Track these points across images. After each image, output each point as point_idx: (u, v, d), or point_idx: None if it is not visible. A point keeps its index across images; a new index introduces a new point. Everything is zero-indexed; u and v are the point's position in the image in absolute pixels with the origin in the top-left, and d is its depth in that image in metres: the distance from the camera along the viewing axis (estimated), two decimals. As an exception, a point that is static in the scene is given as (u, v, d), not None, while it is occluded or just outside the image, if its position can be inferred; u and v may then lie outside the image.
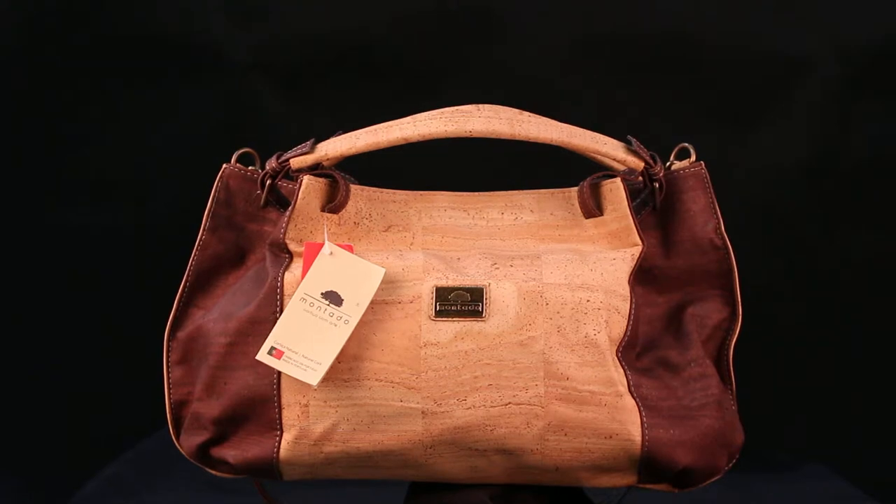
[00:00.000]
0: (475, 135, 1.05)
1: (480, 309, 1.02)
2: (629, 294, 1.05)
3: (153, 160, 1.74)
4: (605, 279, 1.04)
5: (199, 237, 1.08)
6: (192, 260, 1.08)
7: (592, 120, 1.15)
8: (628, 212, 1.06)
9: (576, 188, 1.10)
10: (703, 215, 1.08)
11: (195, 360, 1.07)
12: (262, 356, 1.00)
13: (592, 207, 1.08)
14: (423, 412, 1.01)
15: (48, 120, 1.73)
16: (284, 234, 1.05)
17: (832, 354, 1.73)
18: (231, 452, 1.05)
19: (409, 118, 1.07)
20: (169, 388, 1.08)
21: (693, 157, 1.10)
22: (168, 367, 1.08)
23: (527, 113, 1.07)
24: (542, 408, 1.01)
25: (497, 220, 1.10)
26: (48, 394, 1.74)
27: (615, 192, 1.07)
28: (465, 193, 1.11)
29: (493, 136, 1.05)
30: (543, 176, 1.18)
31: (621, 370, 1.03)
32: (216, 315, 1.06)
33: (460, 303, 1.02)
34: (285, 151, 1.09)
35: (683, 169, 1.09)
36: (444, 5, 1.70)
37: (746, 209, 1.71)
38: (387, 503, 1.19)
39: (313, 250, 1.04)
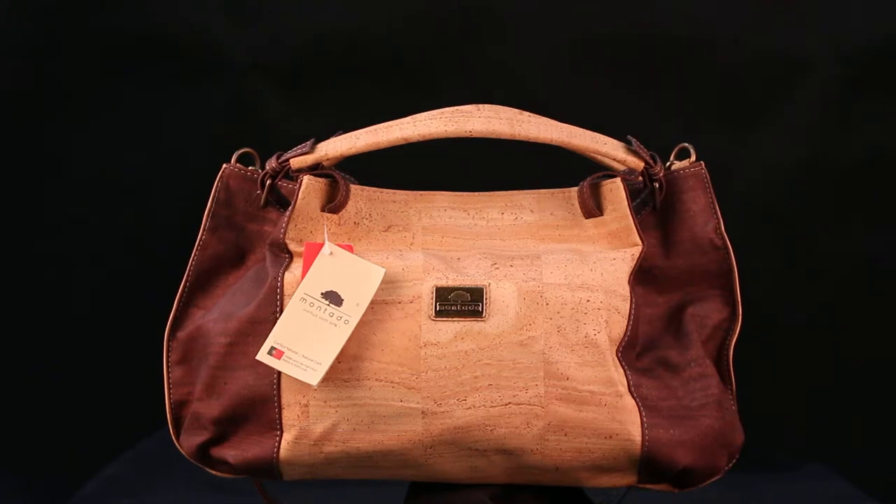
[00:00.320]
0: (475, 135, 1.05)
1: (480, 309, 1.02)
2: (629, 294, 1.05)
3: (153, 160, 1.74)
4: (605, 279, 1.04)
5: (199, 237, 1.08)
6: (192, 260, 1.08)
7: (592, 120, 1.15)
8: (628, 212, 1.06)
9: (576, 188, 1.10)
10: (703, 215, 1.08)
11: (195, 360, 1.07)
12: (262, 356, 1.00)
13: (592, 207, 1.08)
14: (423, 412, 1.01)
15: (48, 120, 1.73)
16: (284, 234, 1.05)
17: (832, 354, 1.73)
18: (231, 452, 1.05)
19: (409, 118, 1.07)
20: (169, 388, 1.08)
21: (693, 157, 1.10)
22: (168, 367, 1.08)
23: (527, 113, 1.07)
24: (542, 408, 1.01)
25: (497, 220, 1.10)
26: (48, 394, 1.74)
27: (615, 192, 1.07)
28: (465, 193, 1.11)
29: (493, 136, 1.05)
30: (543, 176, 1.18)
31: (621, 370, 1.03)
32: (216, 315, 1.06)
33: (460, 303, 1.02)
34: (285, 151, 1.09)
35: (683, 169, 1.09)
36: (444, 5, 1.70)
37: (746, 209, 1.71)
38: (387, 503, 1.19)
39: (313, 250, 1.04)
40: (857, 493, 1.50)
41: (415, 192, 1.11)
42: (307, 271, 1.03)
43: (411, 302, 1.02)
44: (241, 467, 1.05)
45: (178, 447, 1.09)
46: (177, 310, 1.08)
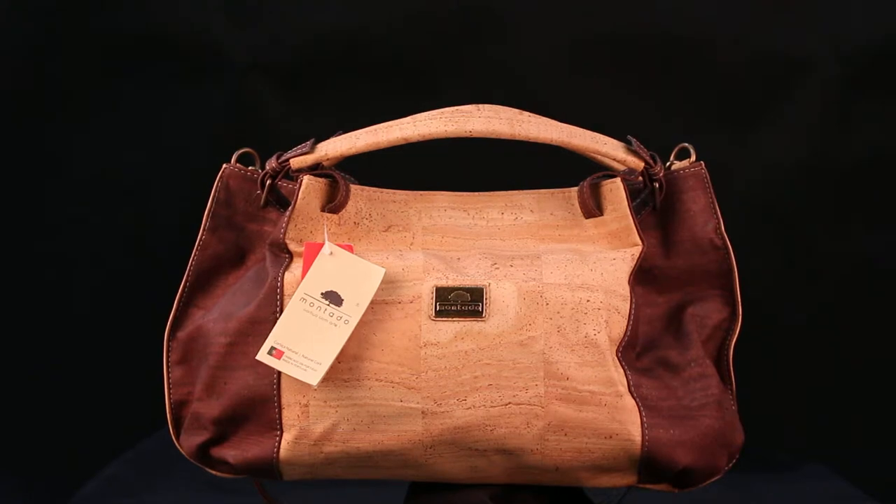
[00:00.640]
0: (475, 135, 1.05)
1: (480, 309, 1.02)
2: (629, 294, 1.05)
3: (153, 160, 1.74)
4: (605, 279, 1.04)
5: (199, 237, 1.08)
6: (192, 260, 1.08)
7: (592, 120, 1.15)
8: (628, 212, 1.06)
9: (576, 188, 1.10)
10: (703, 215, 1.08)
11: (195, 360, 1.07)
12: (262, 356, 1.00)
13: (592, 207, 1.08)
14: (423, 412, 1.01)
15: (48, 120, 1.73)
16: (284, 234, 1.05)
17: (832, 354, 1.73)
18: (231, 452, 1.05)
19: (409, 118, 1.07)
20: (169, 388, 1.08)
21: (693, 157, 1.10)
22: (168, 367, 1.08)
23: (527, 113, 1.07)
24: (542, 408, 1.01)
25: (497, 220, 1.10)
26: (48, 394, 1.74)
27: (615, 192, 1.07)
28: (465, 193, 1.11)
29: (493, 136, 1.05)
30: (543, 176, 1.18)
31: (621, 370, 1.03)
32: (216, 315, 1.06)
33: (460, 303, 1.02)
34: (285, 151, 1.09)
35: (683, 169, 1.09)
36: (444, 5, 1.70)
37: (746, 209, 1.71)
38: (387, 503, 1.19)
39: (313, 250, 1.04)
40: (857, 493, 1.50)
41: (415, 192, 1.11)
42: (307, 271, 1.03)
43: (411, 302, 1.02)
44: (241, 467, 1.05)
45: (178, 447, 1.09)
46: (177, 310, 1.08)
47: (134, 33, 1.71)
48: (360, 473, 1.06)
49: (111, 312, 1.75)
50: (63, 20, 1.71)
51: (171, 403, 1.08)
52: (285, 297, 1.03)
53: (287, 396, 1.03)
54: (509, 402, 1.01)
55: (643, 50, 1.70)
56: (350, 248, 1.05)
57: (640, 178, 1.09)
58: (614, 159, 1.09)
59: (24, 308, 1.76)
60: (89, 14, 1.71)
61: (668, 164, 1.11)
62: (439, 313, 1.02)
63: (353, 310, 1.01)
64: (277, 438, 1.03)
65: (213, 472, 1.09)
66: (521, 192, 1.11)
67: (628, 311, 1.04)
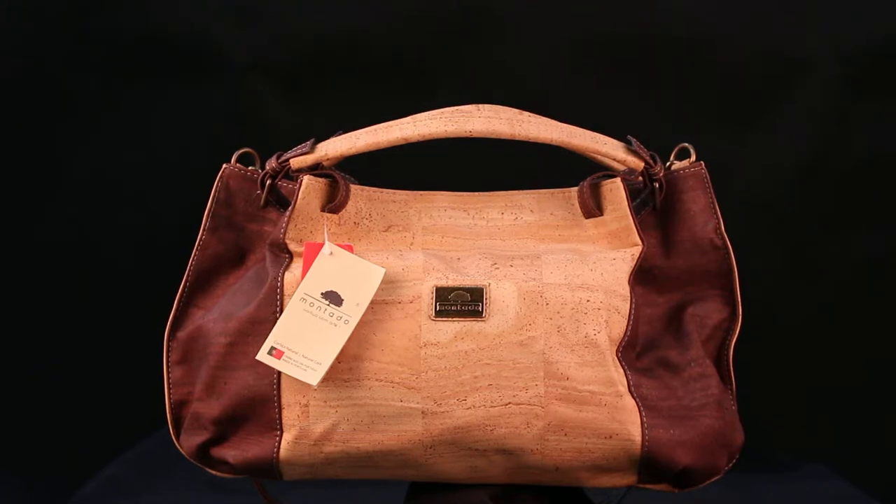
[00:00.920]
0: (475, 135, 1.05)
1: (480, 309, 1.02)
2: (629, 294, 1.05)
3: (153, 160, 1.74)
4: (605, 279, 1.04)
5: (199, 237, 1.08)
6: (192, 260, 1.08)
7: (592, 120, 1.15)
8: (628, 212, 1.06)
9: (576, 188, 1.10)
10: (703, 215, 1.08)
11: (195, 360, 1.07)
12: (262, 356, 1.00)
13: (592, 207, 1.08)
14: (423, 412, 1.01)
15: (48, 119, 1.73)
16: (284, 234, 1.05)
17: (832, 354, 1.73)
18: (231, 452, 1.05)
19: (409, 118, 1.07)
20: (169, 388, 1.08)
21: (693, 157, 1.10)
22: (168, 367, 1.08)
23: (527, 113, 1.07)
24: (542, 408, 1.01)
25: (497, 220, 1.10)
26: (48, 394, 1.74)
27: (615, 192, 1.07)
28: (465, 193, 1.11)
29: (493, 136, 1.05)
30: (543, 176, 1.18)
31: (621, 370, 1.03)
32: (216, 315, 1.06)
33: (460, 303, 1.02)
34: (285, 151, 1.09)
35: (683, 169, 1.09)
36: (444, 5, 1.70)
37: (746, 209, 1.71)
38: (387, 503, 1.19)
39: (313, 250, 1.04)
40: (857, 493, 1.50)
41: (415, 192, 1.11)
42: (307, 271, 1.03)
43: (411, 302, 1.02)
44: (241, 467, 1.05)
45: (178, 447, 1.09)
46: (177, 310, 1.08)
47: (134, 33, 1.71)
48: (360, 473, 1.06)
49: (111, 312, 1.75)
50: (63, 20, 1.71)
51: (171, 403, 1.08)
52: (285, 297, 1.03)
53: (287, 396, 1.03)
54: (509, 402, 1.01)
55: (643, 50, 1.70)
56: (350, 248, 1.05)
57: (640, 178, 1.09)
58: (614, 159, 1.09)
59: (24, 308, 1.76)
60: (89, 14, 1.71)
61: (668, 164, 1.11)
62: (439, 313, 1.02)
63: (353, 310, 1.01)
64: (277, 438, 1.03)
65: (213, 472, 1.09)
66: (521, 192, 1.11)
67: (628, 311, 1.04)
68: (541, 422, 1.01)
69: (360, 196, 1.09)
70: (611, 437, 1.02)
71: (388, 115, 1.09)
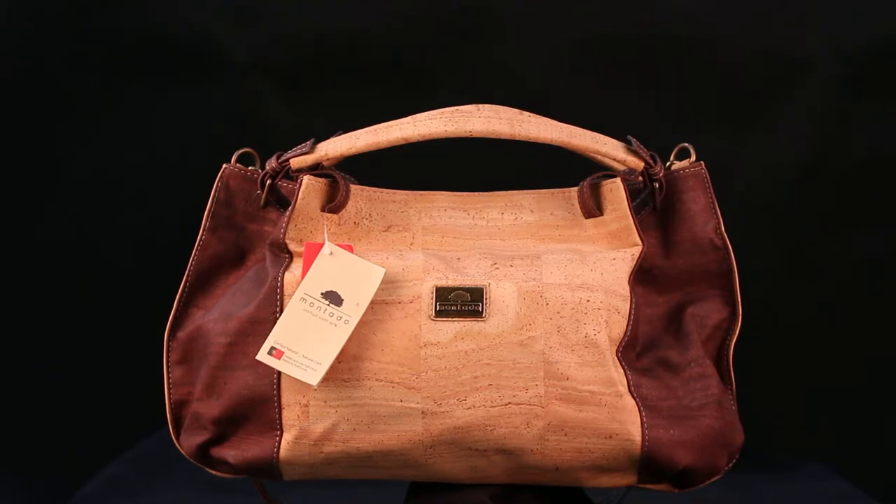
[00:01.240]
0: (475, 135, 1.05)
1: (480, 309, 1.02)
2: (629, 294, 1.05)
3: (153, 160, 1.74)
4: (605, 279, 1.04)
5: (199, 237, 1.08)
6: (192, 260, 1.08)
7: (592, 120, 1.15)
8: (628, 212, 1.06)
9: (576, 188, 1.10)
10: (703, 215, 1.08)
11: (195, 360, 1.07)
12: (262, 356, 1.00)
13: (592, 207, 1.08)
14: (423, 412, 1.01)
15: (48, 120, 1.73)
16: (284, 234, 1.05)
17: (832, 354, 1.73)
18: (231, 452, 1.05)
19: (409, 118, 1.07)
20: (169, 388, 1.08)
21: (693, 157, 1.10)
22: (168, 367, 1.08)
23: (527, 113, 1.07)
24: (542, 408, 1.01)
25: (497, 220, 1.10)
26: (48, 394, 1.74)
27: (615, 192, 1.07)
28: (465, 193, 1.11)
29: (493, 136, 1.05)
30: (543, 176, 1.18)
31: (621, 370, 1.03)
32: (216, 315, 1.06)
33: (460, 303, 1.02)
34: (285, 151, 1.09)
35: (683, 169, 1.09)
36: (444, 5, 1.70)
37: (746, 209, 1.71)
38: (387, 503, 1.19)
39: (313, 250, 1.04)
40: (857, 493, 1.50)
41: (415, 192, 1.11)
42: (307, 271, 1.03)
43: (411, 302, 1.02)
44: (241, 467, 1.05)
45: (178, 447, 1.09)
46: (177, 310, 1.08)
47: (134, 33, 1.71)
48: (360, 473, 1.06)
49: (111, 312, 1.75)
50: (63, 20, 1.71)
51: (171, 403, 1.08)
52: (285, 297, 1.03)
53: (287, 396, 1.03)
54: (509, 402, 1.01)
55: (643, 50, 1.70)
56: (350, 248, 1.05)
57: (640, 178, 1.09)
58: (614, 159, 1.09)
59: (24, 308, 1.76)
60: (89, 14, 1.71)
61: (668, 164, 1.11)
62: (439, 313, 1.02)
63: (353, 310, 1.01)
64: (277, 438, 1.03)
65: (213, 472, 1.09)
66: (521, 192, 1.11)
67: (628, 311, 1.04)
68: (541, 422, 1.01)
69: (360, 196, 1.09)
70: (611, 437, 1.02)
71: (388, 115, 1.09)
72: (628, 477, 1.05)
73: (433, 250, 1.07)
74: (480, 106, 1.07)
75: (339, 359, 1.01)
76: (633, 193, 1.08)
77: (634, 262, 1.06)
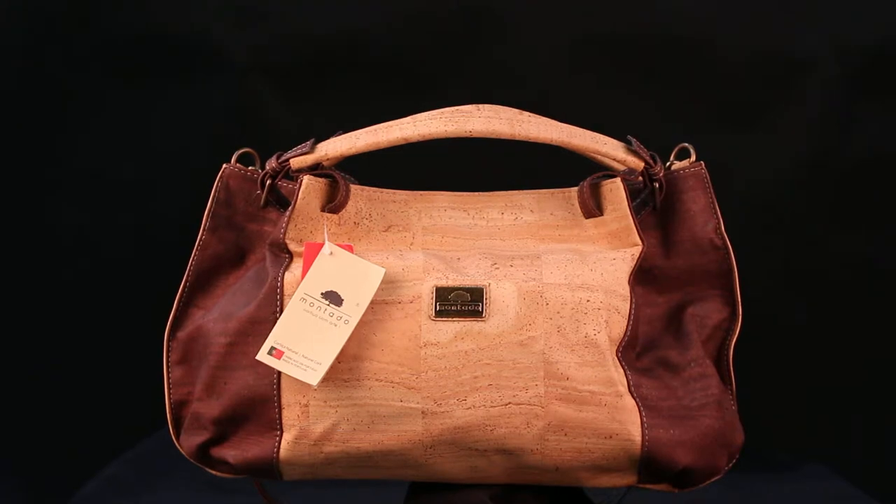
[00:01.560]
0: (475, 135, 1.05)
1: (480, 309, 1.02)
2: (629, 294, 1.05)
3: (153, 160, 1.74)
4: (605, 279, 1.04)
5: (199, 237, 1.08)
6: (192, 260, 1.08)
7: (592, 120, 1.15)
8: (628, 212, 1.06)
9: (576, 188, 1.10)
10: (703, 215, 1.08)
11: (195, 360, 1.07)
12: (262, 356, 1.00)
13: (592, 207, 1.08)
14: (423, 412, 1.01)
15: (48, 120, 1.73)
16: (284, 234, 1.05)
17: (832, 354, 1.73)
18: (231, 452, 1.05)
19: (409, 118, 1.07)
20: (169, 388, 1.08)
21: (693, 157, 1.10)
22: (168, 367, 1.08)
23: (527, 113, 1.07)
24: (542, 408, 1.01)
25: (497, 220, 1.10)
26: (48, 394, 1.74)
27: (615, 192, 1.07)
28: (465, 193, 1.11)
29: (493, 136, 1.05)
30: (543, 176, 1.18)
31: (621, 370, 1.03)
32: (216, 315, 1.06)
33: (460, 303, 1.02)
34: (285, 151, 1.09)
35: (683, 169, 1.09)
36: (444, 5, 1.70)
37: (746, 209, 1.71)
38: (387, 503, 1.19)
39: (313, 250, 1.04)
40: (857, 493, 1.50)
41: (415, 192, 1.11)
42: (307, 271, 1.03)
43: (411, 302, 1.02)
44: (241, 467, 1.05)
45: (178, 447, 1.09)
46: (177, 310, 1.08)
47: (134, 33, 1.71)
48: (360, 473, 1.06)
49: (111, 312, 1.75)
50: (63, 20, 1.71)
51: (171, 403, 1.08)
52: (285, 297, 1.03)
53: (287, 396, 1.03)
54: (509, 402, 1.01)
55: (643, 50, 1.70)
56: (350, 248, 1.05)
57: (640, 178, 1.09)
58: (614, 159, 1.09)
59: (23, 308, 1.76)
60: (89, 14, 1.71)
61: (668, 164, 1.11)
62: (439, 313, 1.02)
63: (353, 310, 1.01)
64: (277, 438, 1.03)
65: (213, 472, 1.09)
66: (521, 192, 1.11)
67: (628, 311, 1.04)
68: (541, 422, 1.01)
69: (360, 196, 1.09)
70: (611, 437, 1.02)
71: (388, 115, 1.09)
72: (628, 477, 1.05)
73: (433, 250, 1.07)
74: (480, 106, 1.07)
75: (339, 359, 1.01)
76: (633, 193, 1.08)
77: (634, 262, 1.06)
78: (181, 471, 1.40)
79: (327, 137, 1.10)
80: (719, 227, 1.08)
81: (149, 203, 1.75)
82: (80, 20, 1.71)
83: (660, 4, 1.69)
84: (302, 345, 1.00)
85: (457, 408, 1.01)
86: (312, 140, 1.10)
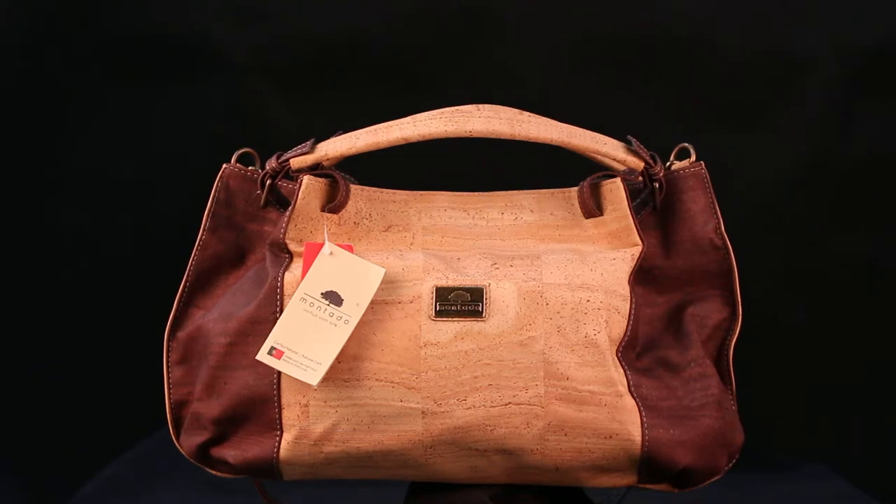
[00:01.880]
0: (475, 135, 1.05)
1: (480, 309, 1.02)
2: (629, 294, 1.05)
3: (153, 160, 1.74)
4: (605, 279, 1.04)
5: (199, 237, 1.08)
6: (192, 260, 1.08)
7: (592, 120, 1.15)
8: (628, 212, 1.06)
9: (576, 188, 1.10)
10: (703, 215, 1.08)
11: (195, 360, 1.07)
12: (262, 356, 1.00)
13: (592, 207, 1.08)
14: (423, 412, 1.01)
15: (48, 120, 1.73)
16: (284, 234, 1.05)
17: (832, 354, 1.73)
18: (231, 452, 1.05)
19: (409, 118, 1.07)
20: (169, 388, 1.08)
21: (693, 157, 1.10)
22: (168, 367, 1.08)
23: (527, 113, 1.07)
24: (542, 408, 1.01)
25: (497, 220, 1.10)
26: (48, 394, 1.74)
27: (615, 192, 1.07)
28: (465, 193, 1.11)
29: (493, 136, 1.05)
30: (543, 176, 1.18)
31: (621, 370, 1.03)
32: (216, 315, 1.06)
33: (460, 303, 1.02)
34: (285, 151, 1.09)
35: (683, 169, 1.09)
36: (444, 5, 1.70)
37: (746, 209, 1.71)
38: (387, 503, 1.19)
39: (313, 250, 1.04)
40: (857, 493, 1.50)
41: (415, 192, 1.11)
42: (307, 271, 1.03)
43: (411, 302, 1.02)
44: (241, 467, 1.05)
45: (178, 447, 1.09)
46: (177, 310, 1.08)
47: (134, 33, 1.71)
48: (360, 473, 1.06)
49: (111, 312, 1.75)
50: (63, 20, 1.71)
51: (171, 403, 1.08)
52: (285, 297, 1.03)
53: (287, 396, 1.03)
54: (509, 402, 1.01)
55: (643, 50, 1.70)
56: (350, 248, 1.05)
57: (640, 178, 1.09)
58: (614, 159, 1.09)
59: (23, 308, 1.76)
60: (89, 14, 1.71)
61: (668, 164, 1.11)
62: (439, 313, 1.02)
63: (353, 310, 1.01)
64: (277, 438, 1.03)
65: (213, 472, 1.09)
66: (521, 192, 1.11)
67: (628, 311, 1.04)
68: (541, 422, 1.01)
69: (360, 196, 1.09)
70: (611, 437, 1.02)
71: (388, 115, 1.09)
72: (628, 477, 1.05)
73: (433, 250, 1.07)
74: (480, 106, 1.07)
75: (339, 359, 1.01)
76: (633, 193, 1.08)
77: (634, 262, 1.06)
78: (181, 471, 1.40)
79: (327, 137, 1.10)
80: (719, 227, 1.08)
81: (149, 203, 1.75)
82: (80, 20, 1.71)
83: (660, 4, 1.69)
84: (302, 345, 1.00)
85: (457, 408, 1.01)
86: (312, 140, 1.10)
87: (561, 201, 1.10)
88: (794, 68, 1.69)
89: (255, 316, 1.04)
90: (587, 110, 1.37)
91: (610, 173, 1.09)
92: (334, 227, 1.07)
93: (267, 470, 1.05)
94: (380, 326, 1.02)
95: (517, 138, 1.06)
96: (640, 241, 1.06)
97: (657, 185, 1.08)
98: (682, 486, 1.07)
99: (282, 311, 1.03)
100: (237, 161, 1.10)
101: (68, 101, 1.73)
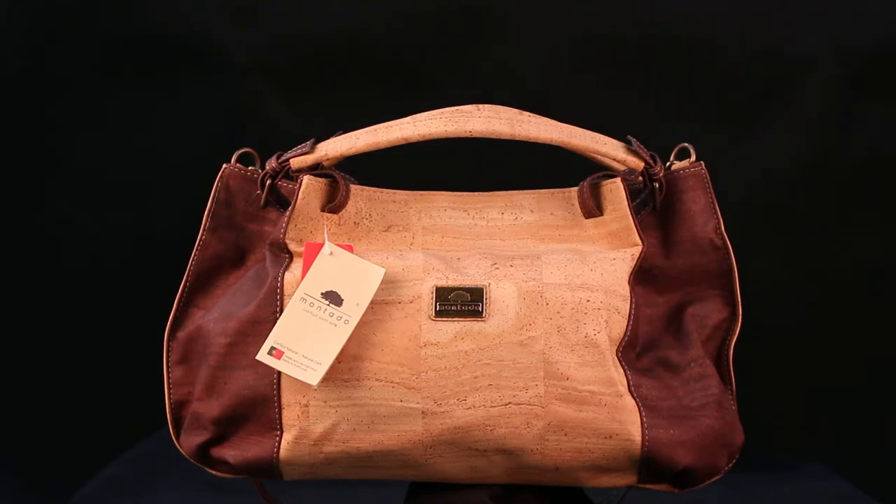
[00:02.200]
0: (475, 135, 1.05)
1: (480, 309, 1.02)
2: (629, 294, 1.05)
3: (153, 160, 1.74)
4: (605, 279, 1.04)
5: (199, 237, 1.08)
6: (192, 260, 1.08)
7: (592, 120, 1.15)
8: (628, 212, 1.06)
9: (576, 188, 1.10)
10: (703, 215, 1.08)
11: (195, 360, 1.07)
12: (262, 356, 1.00)
13: (592, 207, 1.08)
14: (423, 412, 1.01)
15: (48, 120, 1.73)
16: (284, 234, 1.05)
17: (832, 354, 1.73)
18: (231, 452, 1.05)
19: (409, 118, 1.07)
20: (169, 388, 1.08)
21: (693, 157, 1.10)
22: (168, 367, 1.08)
23: (527, 113, 1.07)
24: (542, 408, 1.01)
25: (497, 220, 1.10)
26: (48, 394, 1.74)
27: (615, 192, 1.07)
28: (465, 193, 1.11)
29: (493, 136, 1.05)
30: (543, 176, 1.18)
31: (621, 370, 1.03)
32: (216, 315, 1.06)
33: (460, 303, 1.02)
34: (285, 151, 1.09)
35: (683, 169, 1.09)
36: (444, 5, 1.70)
37: (746, 209, 1.71)
38: (387, 503, 1.19)
39: (313, 250, 1.04)
40: (857, 493, 1.50)
41: (415, 192, 1.11)
42: (307, 271, 1.03)
43: (411, 302, 1.02)
44: (241, 467, 1.05)
45: (178, 447, 1.09)
46: (177, 310, 1.08)
47: (134, 33, 1.71)
48: (360, 473, 1.06)
49: (111, 312, 1.75)
50: (63, 20, 1.71)
51: (171, 403, 1.08)
52: (285, 297, 1.03)
53: (287, 396, 1.03)
54: (509, 402, 1.01)
55: (643, 50, 1.70)
56: (350, 248, 1.05)
57: (640, 178, 1.09)
58: (614, 159, 1.09)
59: (23, 308, 1.76)
60: (89, 14, 1.71)
61: (668, 164, 1.11)
62: (439, 313, 1.02)
63: (353, 310, 1.01)
64: (277, 438, 1.03)
65: (213, 472, 1.09)
66: (521, 192, 1.11)
67: (628, 311, 1.04)
68: (541, 422, 1.01)
69: (360, 196, 1.09)
70: (611, 437, 1.02)
71: (388, 115, 1.09)
72: (628, 477, 1.05)
73: (433, 250, 1.07)
74: (480, 106, 1.07)
75: (339, 359, 1.01)
76: (633, 193, 1.08)
77: (634, 262, 1.06)
78: (181, 471, 1.40)
79: (327, 137, 1.10)
80: (719, 227, 1.08)
81: (149, 203, 1.75)
82: (80, 20, 1.71)
83: (660, 4, 1.69)
84: (302, 345, 1.00)
85: (457, 408, 1.01)
86: (312, 140, 1.10)
87: (561, 201, 1.10)
88: (794, 68, 1.69)
89: (255, 316, 1.04)
90: (587, 110, 1.37)
91: (610, 173, 1.09)
92: (334, 227, 1.07)
93: (267, 470, 1.05)
94: (380, 326, 1.02)
95: (517, 138, 1.06)
96: (640, 241, 1.06)
97: (657, 185, 1.08)
98: (682, 486, 1.07)
99: (282, 311, 1.03)
100: (237, 161, 1.10)
101: (67, 101, 1.73)
